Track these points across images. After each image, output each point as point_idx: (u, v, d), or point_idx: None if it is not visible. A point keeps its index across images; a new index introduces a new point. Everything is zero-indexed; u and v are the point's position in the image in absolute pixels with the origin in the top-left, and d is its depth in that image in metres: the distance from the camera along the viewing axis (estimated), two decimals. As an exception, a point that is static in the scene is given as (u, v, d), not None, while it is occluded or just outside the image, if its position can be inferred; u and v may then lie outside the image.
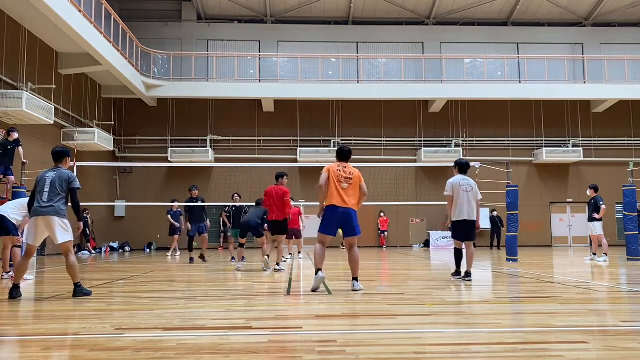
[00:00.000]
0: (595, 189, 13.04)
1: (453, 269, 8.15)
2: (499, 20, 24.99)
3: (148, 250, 21.82)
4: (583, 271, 9.73)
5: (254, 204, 11.11)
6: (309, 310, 5.09)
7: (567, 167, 24.33)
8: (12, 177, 11.50)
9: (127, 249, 21.91)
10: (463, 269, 7.80)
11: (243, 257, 10.52)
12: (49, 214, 5.93)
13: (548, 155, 23.39)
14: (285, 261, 11.93)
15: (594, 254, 12.90)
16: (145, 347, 3.47)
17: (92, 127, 19.66)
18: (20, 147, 11.69)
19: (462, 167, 7.95)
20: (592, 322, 4.44)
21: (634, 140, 24.36)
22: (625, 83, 22.83)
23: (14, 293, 5.84)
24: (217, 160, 22.96)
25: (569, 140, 24.18)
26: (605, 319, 4.65)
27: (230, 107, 23.26)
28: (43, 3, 12.97)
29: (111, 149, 20.90)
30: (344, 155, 6.70)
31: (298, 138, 23.58)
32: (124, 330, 4.00)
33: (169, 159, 22.21)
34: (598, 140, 24.31)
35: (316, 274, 6.34)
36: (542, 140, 24.25)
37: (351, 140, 23.73)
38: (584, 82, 23.83)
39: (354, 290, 6.35)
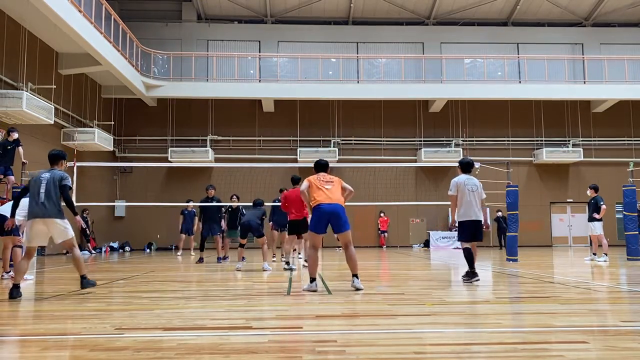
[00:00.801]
0: (595, 189, 13.04)
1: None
2: (499, 20, 24.99)
3: (148, 250, 21.82)
4: (583, 271, 9.73)
5: (250, 204, 11.08)
6: (309, 310, 5.09)
7: (567, 167, 24.33)
8: (12, 177, 11.50)
9: (127, 249, 21.91)
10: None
11: (243, 257, 10.52)
12: (50, 217, 5.97)
13: (548, 155, 23.39)
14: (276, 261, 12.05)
15: (594, 254, 12.90)
16: (145, 347, 3.47)
17: (92, 127, 19.66)
18: (20, 147, 11.69)
19: (465, 167, 7.82)
20: (592, 322, 4.43)
21: (634, 140, 24.36)
22: (625, 83, 22.84)
23: (14, 293, 5.86)
24: (217, 160, 22.96)
25: (569, 140, 24.18)
26: (605, 319, 4.65)
27: (230, 107, 23.26)
28: (43, 3, 12.98)
29: (111, 149, 20.90)
30: (321, 167, 6.96)
31: (298, 138, 23.58)
32: (124, 330, 4.00)
33: (169, 159, 22.21)
34: (598, 140, 24.32)
35: (311, 282, 6.42)
36: (542, 140, 24.25)
37: (351, 140, 23.75)
38: (584, 82, 23.83)
39: (354, 288, 6.38)
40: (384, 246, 22.82)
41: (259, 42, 24.15)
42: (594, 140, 24.29)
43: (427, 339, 3.77)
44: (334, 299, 5.76)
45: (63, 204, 6.18)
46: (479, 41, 24.40)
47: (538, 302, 5.59)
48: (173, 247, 21.35)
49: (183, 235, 16.63)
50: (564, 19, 24.93)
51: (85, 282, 6.23)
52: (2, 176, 11.49)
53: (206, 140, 23.43)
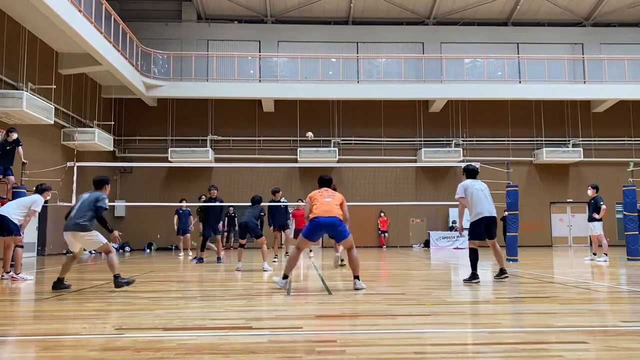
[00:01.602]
0: (596, 188, 13.03)
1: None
2: (499, 20, 24.99)
3: (148, 251, 21.82)
4: (583, 271, 9.73)
5: (248, 204, 11.03)
6: (309, 310, 5.09)
7: (567, 167, 24.33)
8: (12, 177, 11.49)
9: (127, 249, 21.90)
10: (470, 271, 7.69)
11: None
12: (73, 230, 6.61)
13: (548, 155, 23.39)
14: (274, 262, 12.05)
15: (594, 254, 12.89)
16: (145, 347, 3.47)
17: (92, 127, 19.66)
18: (20, 147, 11.68)
19: (471, 173, 7.77)
20: (592, 322, 4.43)
21: (634, 140, 24.36)
22: (625, 83, 22.83)
23: (59, 285, 6.56)
24: (217, 160, 22.96)
25: (569, 140, 24.18)
26: (605, 319, 4.65)
27: (230, 107, 23.25)
28: (43, 3, 12.97)
29: (111, 149, 20.90)
30: (324, 182, 7.04)
31: (298, 138, 23.57)
32: (124, 330, 4.00)
33: (169, 159, 22.21)
34: (598, 140, 24.32)
35: (284, 278, 6.49)
36: (542, 140, 24.25)
37: (351, 140, 23.74)
38: (584, 82, 23.83)
39: (355, 289, 6.40)
40: (384, 246, 22.82)
41: (259, 42, 24.15)
42: (594, 140, 24.29)
43: (427, 339, 3.77)
44: (334, 299, 5.76)
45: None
46: (479, 41, 24.40)
47: (538, 302, 5.59)
48: (173, 248, 21.35)
49: (181, 237, 16.61)
50: (564, 19, 24.93)
51: (117, 282, 6.57)
52: (1, 176, 11.49)
53: (206, 140, 23.43)
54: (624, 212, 13.28)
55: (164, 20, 23.87)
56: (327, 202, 6.64)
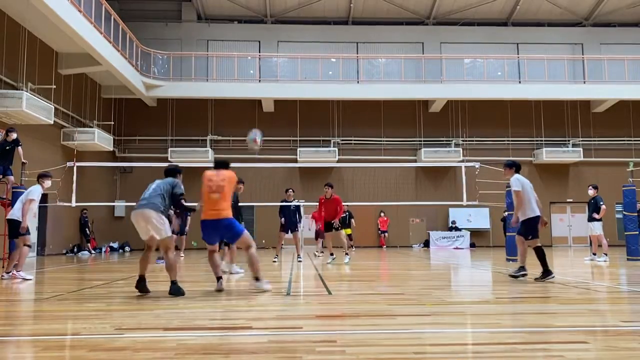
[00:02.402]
0: (596, 188, 13.03)
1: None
2: (499, 20, 24.99)
3: (148, 250, 21.78)
4: (583, 271, 9.73)
5: (249, 205, 11.02)
6: (309, 310, 5.09)
7: (567, 167, 24.33)
8: (11, 177, 11.49)
9: (127, 249, 21.90)
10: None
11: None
12: (143, 208, 5.99)
13: (548, 155, 23.39)
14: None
15: (594, 254, 12.90)
16: (145, 347, 3.47)
17: (92, 127, 19.66)
18: (19, 147, 11.67)
19: (518, 168, 7.90)
20: (592, 322, 4.43)
21: (634, 140, 24.36)
22: (625, 83, 22.82)
23: (141, 285, 6.03)
24: (217, 160, 22.93)
25: (568, 140, 24.18)
26: (605, 319, 4.65)
27: (230, 107, 23.25)
28: (43, 3, 12.97)
29: (111, 149, 20.89)
30: (218, 165, 6.61)
31: (298, 138, 23.58)
32: (124, 330, 4.00)
33: (169, 159, 22.18)
34: (598, 140, 24.32)
35: (217, 280, 6.40)
36: (542, 140, 24.25)
37: (351, 140, 23.74)
38: (584, 82, 23.83)
39: (257, 290, 6.28)
40: (384, 246, 22.82)
41: (259, 42, 24.16)
42: (594, 140, 24.29)
43: (427, 339, 3.77)
44: (334, 299, 5.76)
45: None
46: (479, 41, 24.40)
47: (538, 302, 5.59)
48: (173, 247, 21.31)
49: (177, 237, 16.47)
50: (564, 19, 24.93)
51: (174, 289, 5.99)
52: (1, 176, 11.48)
53: (206, 140, 23.42)
54: (624, 212, 13.27)
55: (164, 20, 23.87)
56: (216, 201, 6.19)
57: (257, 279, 6.46)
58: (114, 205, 22.11)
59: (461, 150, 23.18)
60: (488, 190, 15.48)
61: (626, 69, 23.12)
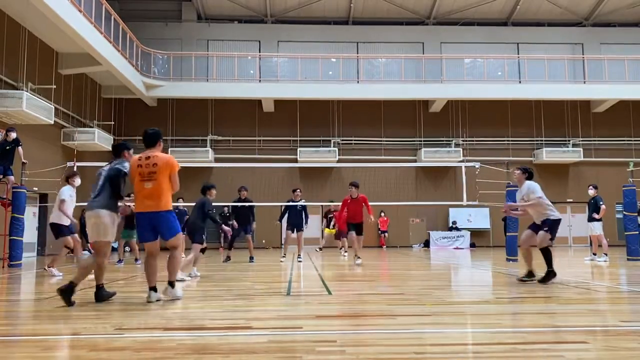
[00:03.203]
0: (597, 188, 13.04)
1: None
2: (499, 20, 24.98)
3: (148, 250, 21.77)
4: (583, 271, 9.73)
5: (237, 205, 10.96)
6: (309, 310, 5.09)
7: (567, 167, 24.33)
8: (12, 177, 11.50)
9: (127, 249, 21.87)
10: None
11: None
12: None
13: (548, 155, 23.39)
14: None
15: (594, 254, 12.90)
16: (145, 347, 3.47)
17: (92, 127, 19.66)
18: (20, 147, 11.68)
19: (531, 175, 7.95)
20: (592, 322, 4.43)
21: (634, 140, 24.35)
22: (625, 83, 22.82)
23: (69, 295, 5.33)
24: (217, 160, 22.95)
25: (569, 140, 24.18)
26: (605, 319, 4.65)
27: (230, 107, 23.25)
28: (43, 3, 12.97)
29: (111, 149, 20.89)
30: (147, 138, 5.86)
31: (298, 138, 23.58)
32: (124, 330, 4.00)
33: (169, 159, 22.17)
34: (598, 140, 24.31)
35: (151, 289, 5.60)
36: (542, 140, 24.25)
37: (351, 140, 23.74)
38: (584, 82, 23.82)
39: (165, 297, 5.67)
40: (384, 246, 22.82)
41: (259, 42, 24.16)
42: (594, 140, 24.29)
43: (427, 339, 3.77)
44: (334, 299, 5.76)
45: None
46: (479, 41, 24.40)
47: (538, 302, 5.58)
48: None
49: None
50: (564, 19, 24.93)
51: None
52: (1, 176, 11.49)
53: (206, 140, 23.42)
54: (624, 212, 13.28)
55: (164, 20, 23.87)
56: (148, 190, 5.49)
57: (171, 284, 5.71)
58: (114, 205, 22.07)
59: (461, 150, 23.18)
60: (488, 190, 15.47)
61: (626, 69, 23.12)
